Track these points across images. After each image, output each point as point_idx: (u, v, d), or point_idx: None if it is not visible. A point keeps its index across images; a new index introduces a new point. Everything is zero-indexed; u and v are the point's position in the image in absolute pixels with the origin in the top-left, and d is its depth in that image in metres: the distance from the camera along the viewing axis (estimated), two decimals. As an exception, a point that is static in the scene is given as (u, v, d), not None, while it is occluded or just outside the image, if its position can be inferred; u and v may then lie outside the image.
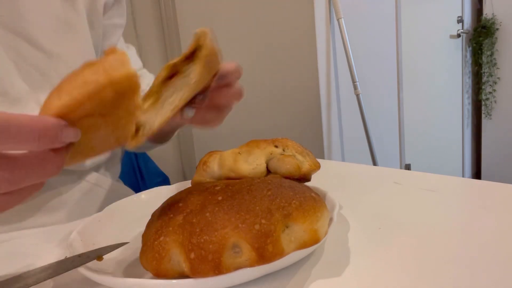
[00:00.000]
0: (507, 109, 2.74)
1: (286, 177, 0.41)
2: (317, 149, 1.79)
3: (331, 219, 0.37)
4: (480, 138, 2.91)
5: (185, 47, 0.41)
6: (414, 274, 0.32)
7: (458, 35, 2.68)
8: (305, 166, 0.43)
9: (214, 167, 0.44)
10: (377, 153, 1.85)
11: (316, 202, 0.35)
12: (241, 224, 0.30)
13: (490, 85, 2.76)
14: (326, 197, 0.42)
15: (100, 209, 0.59)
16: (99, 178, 0.67)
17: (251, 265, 0.30)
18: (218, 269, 0.30)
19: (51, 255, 0.43)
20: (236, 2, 1.88)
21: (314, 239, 0.32)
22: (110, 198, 0.67)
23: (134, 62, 0.76)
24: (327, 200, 0.41)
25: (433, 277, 0.31)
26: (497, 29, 2.68)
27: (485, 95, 2.78)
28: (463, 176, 2.45)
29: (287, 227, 0.32)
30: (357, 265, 0.34)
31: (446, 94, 2.70)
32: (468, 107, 2.90)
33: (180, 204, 0.34)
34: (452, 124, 2.80)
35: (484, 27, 2.69)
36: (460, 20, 2.69)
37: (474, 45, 2.77)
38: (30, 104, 0.54)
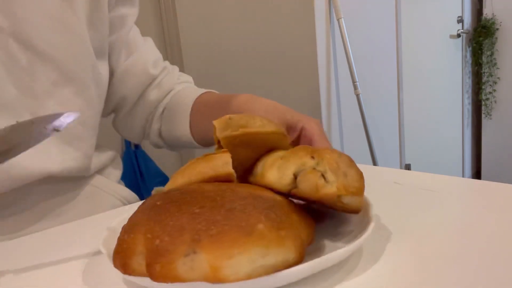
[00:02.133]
0: (507, 109, 2.74)
1: (305, 199, 0.37)
2: (317, 149, 1.79)
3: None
4: (480, 138, 2.91)
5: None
6: (414, 274, 0.32)
7: (458, 35, 2.68)
8: (328, 188, 0.35)
9: (257, 167, 0.41)
10: (377, 153, 1.85)
11: (245, 236, 0.28)
12: (149, 234, 0.30)
13: (490, 85, 2.76)
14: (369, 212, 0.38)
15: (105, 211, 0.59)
16: (103, 181, 0.66)
17: (146, 276, 0.30)
18: (124, 269, 0.31)
19: (57, 255, 0.43)
20: (236, 2, 1.88)
21: (215, 277, 0.28)
22: (112, 200, 0.67)
23: (152, 54, 0.72)
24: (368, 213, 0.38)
25: (433, 277, 0.31)
26: (497, 29, 2.68)
27: (485, 95, 2.78)
28: (463, 176, 2.45)
29: (194, 252, 0.28)
30: (356, 265, 0.34)
31: (446, 94, 2.70)
32: (468, 107, 2.90)
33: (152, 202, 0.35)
34: (452, 124, 2.80)
35: (484, 27, 2.69)
36: (460, 20, 2.69)
37: (474, 45, 2.77)
38: (19, 110, 0.52)
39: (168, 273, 0.28)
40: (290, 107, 0.54)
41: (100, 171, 0.67)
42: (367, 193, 0.52)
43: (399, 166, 2.19)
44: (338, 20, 1.70)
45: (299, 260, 0.30)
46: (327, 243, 0.38)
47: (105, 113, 0.73)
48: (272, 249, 0.29)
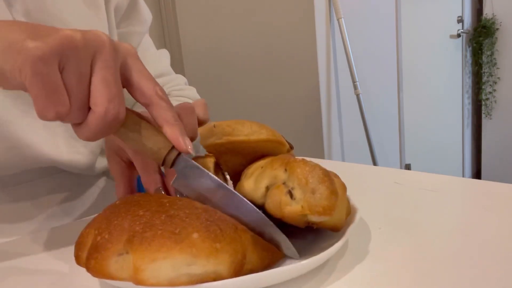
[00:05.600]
0: (507, 109, 2.74)
1: (271, 216, 0.34)
2: (317, 149, 1.79)
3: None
4: (480, 138, 2.91)
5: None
6: (414, 274, 0.32)
7: (458, 35, 2.68)
8: (292, 207, 0.32)
9: (242, 175, 0.40)
10: (377, 153, 1.84)
11: (173, 243, 0.28)
12: (96, 231, 0.31)
13: (490, 85, 2.76)
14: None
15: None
16: (109, 183, 0.67)
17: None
18: (77, 260, 0.33)
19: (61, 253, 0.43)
20: (236, 2, 1.88)
21: (137, 279, 0.28)
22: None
23: (153, 69, 0.67)
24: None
25: (433, 277, 0.31)
26: (497, 29, 2.68)
27: (485, 95, 2.78)
28: (463, 176, 2.45)
29: (126, 252, 0.29)
30: (357, 265, 0.34)
31: (446, 94, 2.70)
32: (468, 107, 2.90)
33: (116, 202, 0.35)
34: (452, 124, 2.80)
35: (484, 27, 2.69)
36: (460, 20, 2.69)
37: (474, 45, 2.77)
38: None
39: (101, 269, 0.29)
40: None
41: (106, 172, 0.67)
42: (367, 193, 0.52)
43: (399, 166, 2.19)
44: (338, 20, 1.70)
45: (233, 276, 0.29)
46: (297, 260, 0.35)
47: None
48: (200, 259, 0.28)
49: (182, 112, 0.42)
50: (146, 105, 0.35)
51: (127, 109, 0.35)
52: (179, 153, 0.35)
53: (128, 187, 0.43)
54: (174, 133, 0.34)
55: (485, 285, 0.30)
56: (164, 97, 0.35)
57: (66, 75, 0.30)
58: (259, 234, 0.34)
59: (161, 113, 0.34)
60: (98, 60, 0.31)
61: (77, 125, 0.32)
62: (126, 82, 0.35)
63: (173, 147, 0.35)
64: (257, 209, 0.35)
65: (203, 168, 0.35)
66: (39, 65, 0.28)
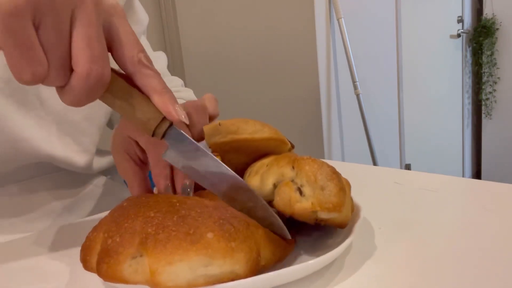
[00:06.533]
0: (507, 109, 2.74)
1: (283, 213, 0.34)
2: (317, 149, 1.79)
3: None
4: (480, 138, 2.91)
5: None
6: (414, 274, 0.32)
7: (458, 35, 2.68)
8: (303, 203, 0.33)
9: (246, 173, 0.40)
10: (377, 153, 1.85)
11: (189, 244, 0.28)
12: (106, 234, 0.31)
13: (490, 85, 2.76)
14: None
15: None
16: (107, 182, 0.67)
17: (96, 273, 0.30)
18: (85, 264, 0.32)
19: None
20: (236, 2, 1.88)
21: (154, 282, 0.28)
22: (115, 202, 0.67)
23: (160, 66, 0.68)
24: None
25: (433, 277, 0.31)
26: (497, 29, 2.68)
27: (485, 95, 2.78)
28: (463, 176, 2.46)
29: (140, 255, 0.28)
30: (356, 265, 0.34)
31: (446, 94, 2.70)
32: (468, 107, 2.91)
33: (124, 203, 0.35)
34: (452, 124, 2.80)
35: (484, 27, 2.69)
36: (460, 20, 2.69)
37: (474, 45, 2.77)
38: (27, 94, 0.53)
39: (114, 274, 0.28)
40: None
41: (105, 172, 0.67)
42: (367, 193, 0.52)
43: (399, 166, 2.19)
44: (338, 20, 1.70)
45: (249, 275, 0.29)
46: (305, 257, 0.36)
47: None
48: (217, 260, 0.28)
49: (193, 111, 0.41)
50: (130, 75, 0.32)
51: (115, 72, 0.32)
52: (171, 124, 0.33)
53: (144, 187, 0.41)
54: (164, 102, 0.32)
55: (485, 285, 0.30)
56: (149, 65, 0.32)
57: (42, 32, 0.27)
58: (251, 209, 0.34)
59: (148, 81, 0.32)
60: (78, 16, 0.28)
61: (61, 88, 0.30)
62: (109, 44, 0.31)
63: (164, 118, 0.33)
64: (246, 184, 0.34)
65: (194, 141, 0.34)
66: (10, 20, 0.25)
